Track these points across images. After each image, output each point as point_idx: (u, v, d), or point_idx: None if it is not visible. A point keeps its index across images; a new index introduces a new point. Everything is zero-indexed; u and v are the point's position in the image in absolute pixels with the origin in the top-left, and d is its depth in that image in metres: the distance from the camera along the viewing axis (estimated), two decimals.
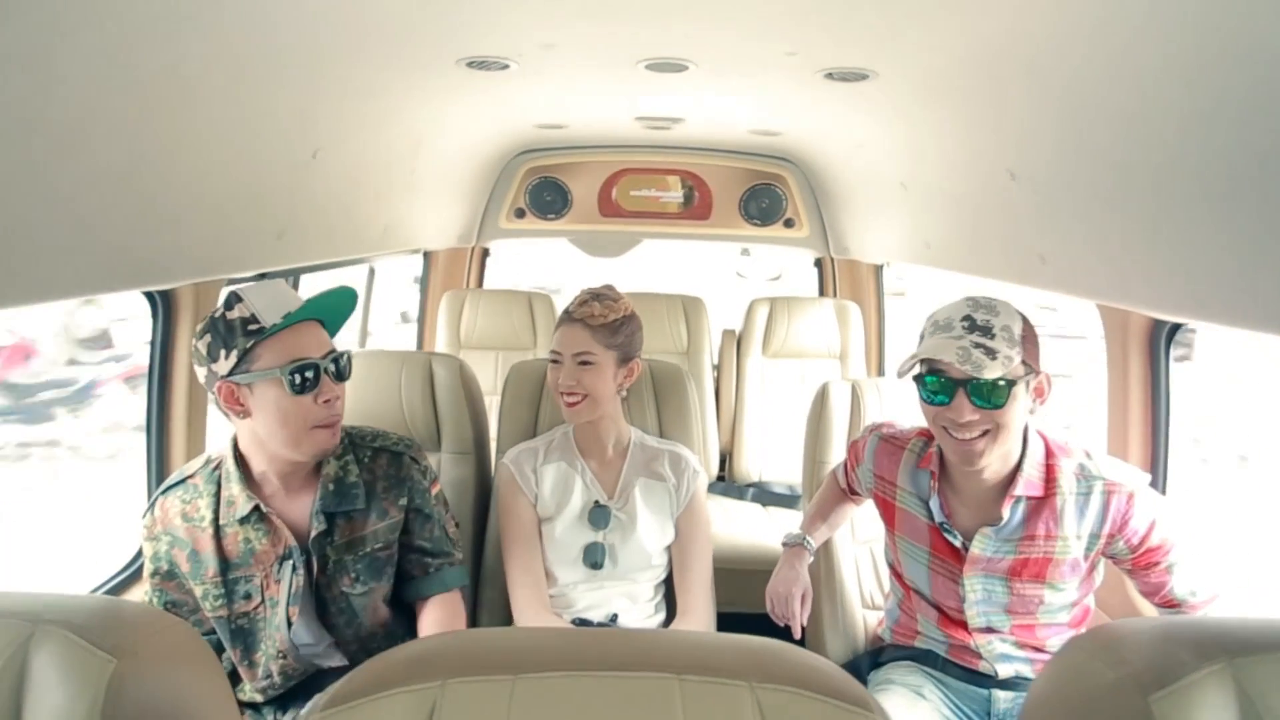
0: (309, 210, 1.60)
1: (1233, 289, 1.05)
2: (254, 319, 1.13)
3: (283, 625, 1.21)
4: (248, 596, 1.22)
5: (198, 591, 1.21)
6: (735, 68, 1.60)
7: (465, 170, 2.66)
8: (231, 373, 1.13)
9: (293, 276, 2.06)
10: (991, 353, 1.16)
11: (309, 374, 1.15)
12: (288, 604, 1.21)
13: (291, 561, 1.22)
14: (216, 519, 1.20)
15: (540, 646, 0.54)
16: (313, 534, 1.22)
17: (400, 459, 1.31)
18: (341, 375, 1.22)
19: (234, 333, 1.13)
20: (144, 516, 1.24)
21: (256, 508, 1.19)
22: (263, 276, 1.71)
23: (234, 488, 1.20)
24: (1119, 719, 0.54)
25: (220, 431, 1.64)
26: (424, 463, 1.35)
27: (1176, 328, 1.48)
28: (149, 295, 1.47)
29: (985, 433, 1.19)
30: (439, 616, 1.33)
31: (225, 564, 1.20)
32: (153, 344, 1.53)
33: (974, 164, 1.63)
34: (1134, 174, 1.17)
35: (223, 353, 1.13)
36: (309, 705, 0.53)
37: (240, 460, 1.22)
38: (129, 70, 0.95)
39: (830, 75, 1.56)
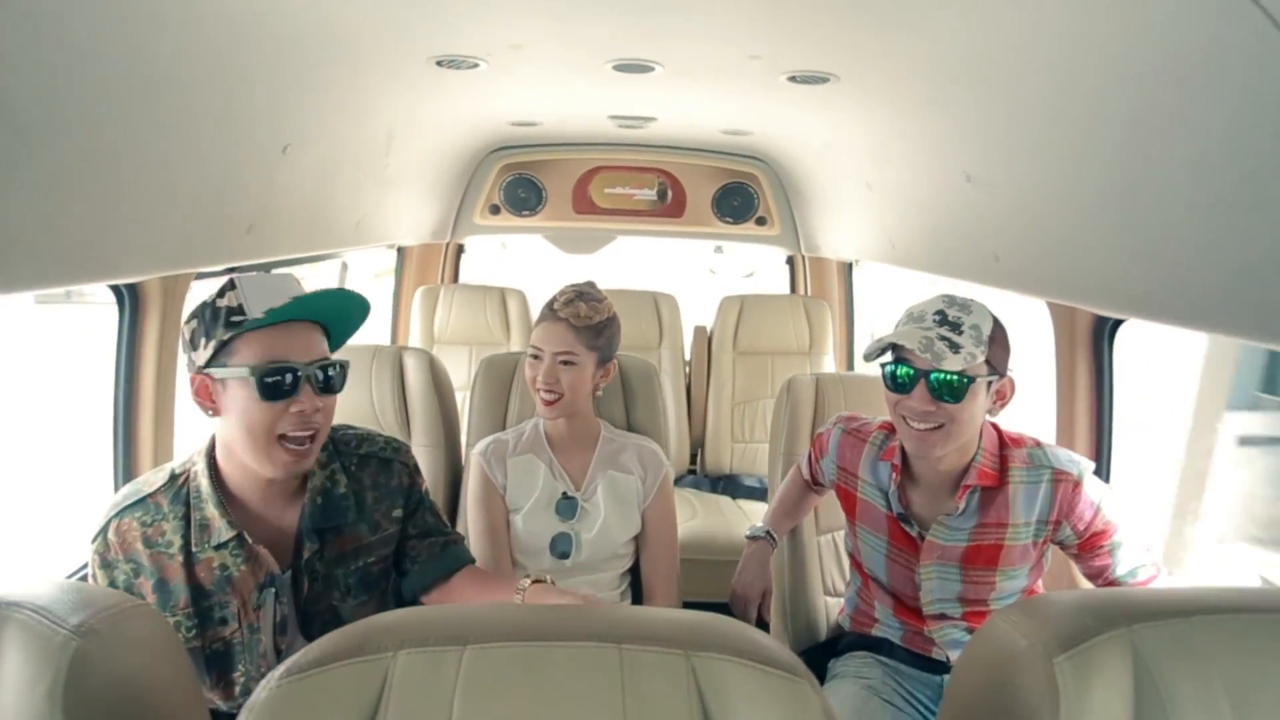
0: (280, 204, 1.60)
1: (1168, 288, 1.11)
2: (240, 309, 1.02)
3: (269, 653, 1.11)
4: (224, 622, 1.10)
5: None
6: (701, 70, 1.64)
7: (439, 166, 2.66)
8: (207, 364, 1.03)
9: (263, 270, 2.06)
10: (955, 346, 1.19)
11: (285, 379, 1.03)
12: (274, 634, 1.11)
13: (274, 589, 1.10)
14: (187, 545, 1.07)
15: (489, 620, 0.57)
16: (305, 555, 1.12)
17: (390, 466, 1.22)
18: (330, 387, 1.09)
19: (217, 321, 1.03)
20: (94, 540, 1.08)
21: (238, 535, 1.07)
22: (232, 271, 1.71)
23: (210, 509, 1.07)
24: (1027, 681, 0.59)
25: (190, 435, 1.63)
26: (412, 463, 1.27)
27: (1118, 324, 1.55)
28: (115, 289, 1.46)
29: (940, 426, 1.22)
30: (476, 585, 1.23)
31: (198, 592, 1.08)
32: (119, 340, 1.50)
33: (933, 166, 1.67)
34: (1079, 178, 1.22)
35: (203, 341, 1.03)
36: (264, 679, 0.55)
37: (215, 475, 1.10)
38: (96, 61, 0.95)
39: (794, 78, 1.60)
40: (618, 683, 0.52)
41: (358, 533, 1.17)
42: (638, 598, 1.57)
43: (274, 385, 1.02)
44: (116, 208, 1.12)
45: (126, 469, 1.54)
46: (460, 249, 3.25)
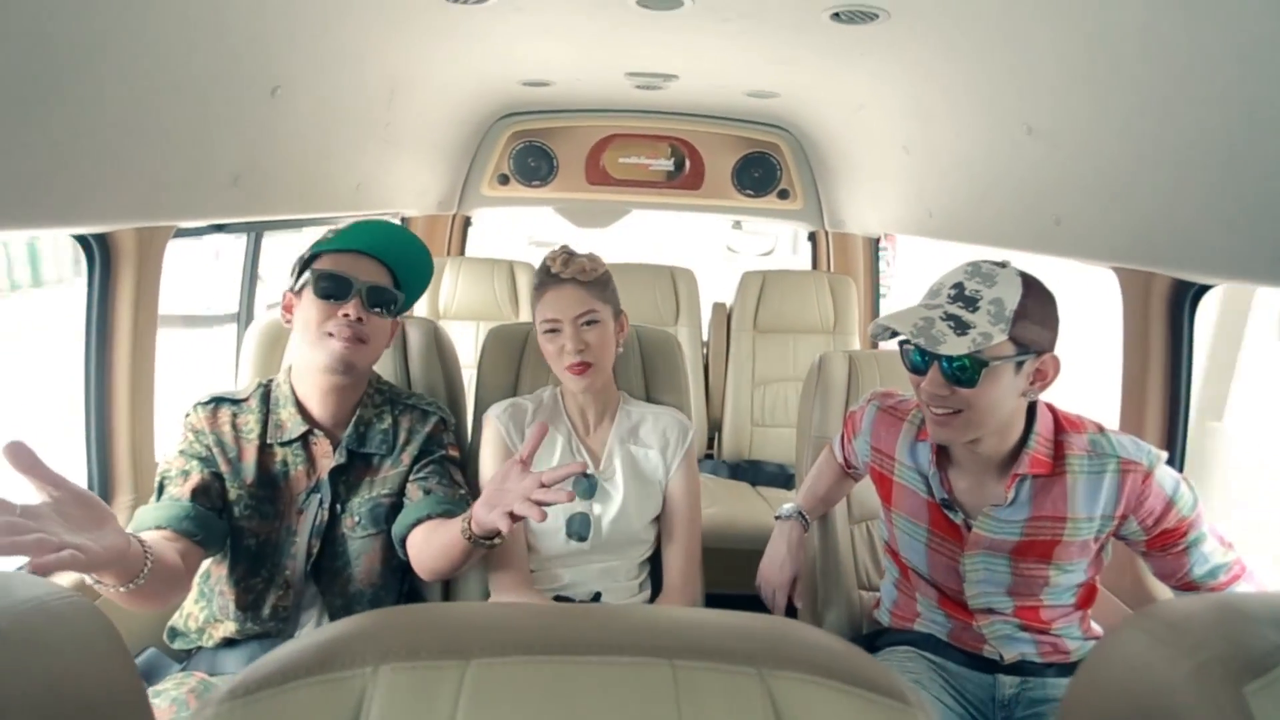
0: (269, 155, 1.46)
1: (1272, 244, 0.97)
2: (325, 238, 1.25)
3: (300, 554, 1.23)
4: (267, 518, 1.24)
5: (231, 494, 1.22)
6: (734, 5, 1.48)
7: (446, 129, 2.52)
8: (295, 283, 1.25)
9: (255, 230, 1.92)
10: (963, 327, 1.05)
11: (338, 285, 1.21)
12: (310, 536, 1.24)
13: (319, 496, 1.25)
14: (264, 436, 1.25)
15: (499, 625, 0.43)
16: (331, 465, 1.26)
17: (427, 416, 1.35)
18: (384, 305, 1.25)
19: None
20: (190, 412, 1.25)
21: (308, 433, 1.25)
22: (220, 229, 1.58)
23: (289, 409, 1.26)
24: (1206, 713, 0.45)
25: (171, 395, 1.51)
26: (451, 425, 1.38)
27: (1204, 290, 1.40)
28: (83, 240, 1.32)
29: (958, 412, 1.09)
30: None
31: (262, 478, 1.24)
32: (89, 297, 1.35)
33: (987, 120, 1.53)
34: (1163, 124, 1.07)
35: (296, 269, 1.25)
36: (206, 699, 0.41)
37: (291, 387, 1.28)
38: None
39: (837, 15, 1.44)
40: (673, 711, 0.39)
41: (381, 466, 1.30)
42: (657, 589, 1.44)
43: (327, 287, 1.21)
44: (74, 144, 0.98)
45: (100, 440, 1.40)
46: (467, 221, 3.12)
